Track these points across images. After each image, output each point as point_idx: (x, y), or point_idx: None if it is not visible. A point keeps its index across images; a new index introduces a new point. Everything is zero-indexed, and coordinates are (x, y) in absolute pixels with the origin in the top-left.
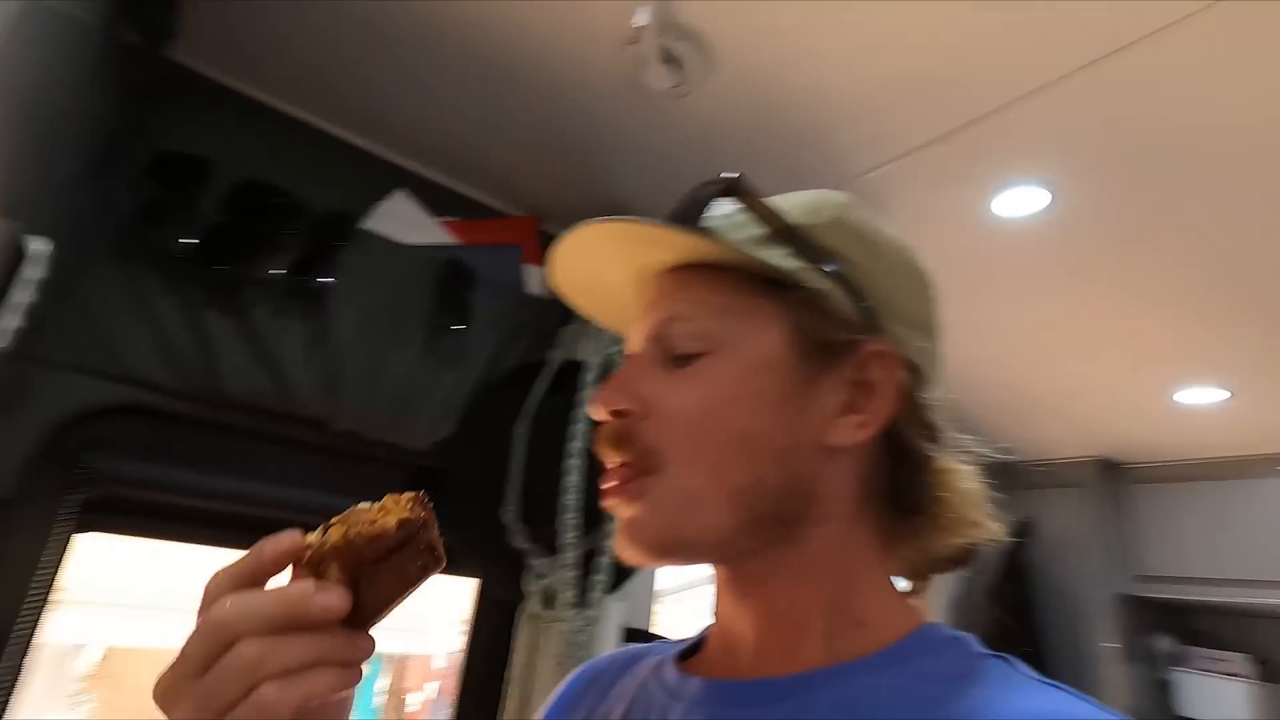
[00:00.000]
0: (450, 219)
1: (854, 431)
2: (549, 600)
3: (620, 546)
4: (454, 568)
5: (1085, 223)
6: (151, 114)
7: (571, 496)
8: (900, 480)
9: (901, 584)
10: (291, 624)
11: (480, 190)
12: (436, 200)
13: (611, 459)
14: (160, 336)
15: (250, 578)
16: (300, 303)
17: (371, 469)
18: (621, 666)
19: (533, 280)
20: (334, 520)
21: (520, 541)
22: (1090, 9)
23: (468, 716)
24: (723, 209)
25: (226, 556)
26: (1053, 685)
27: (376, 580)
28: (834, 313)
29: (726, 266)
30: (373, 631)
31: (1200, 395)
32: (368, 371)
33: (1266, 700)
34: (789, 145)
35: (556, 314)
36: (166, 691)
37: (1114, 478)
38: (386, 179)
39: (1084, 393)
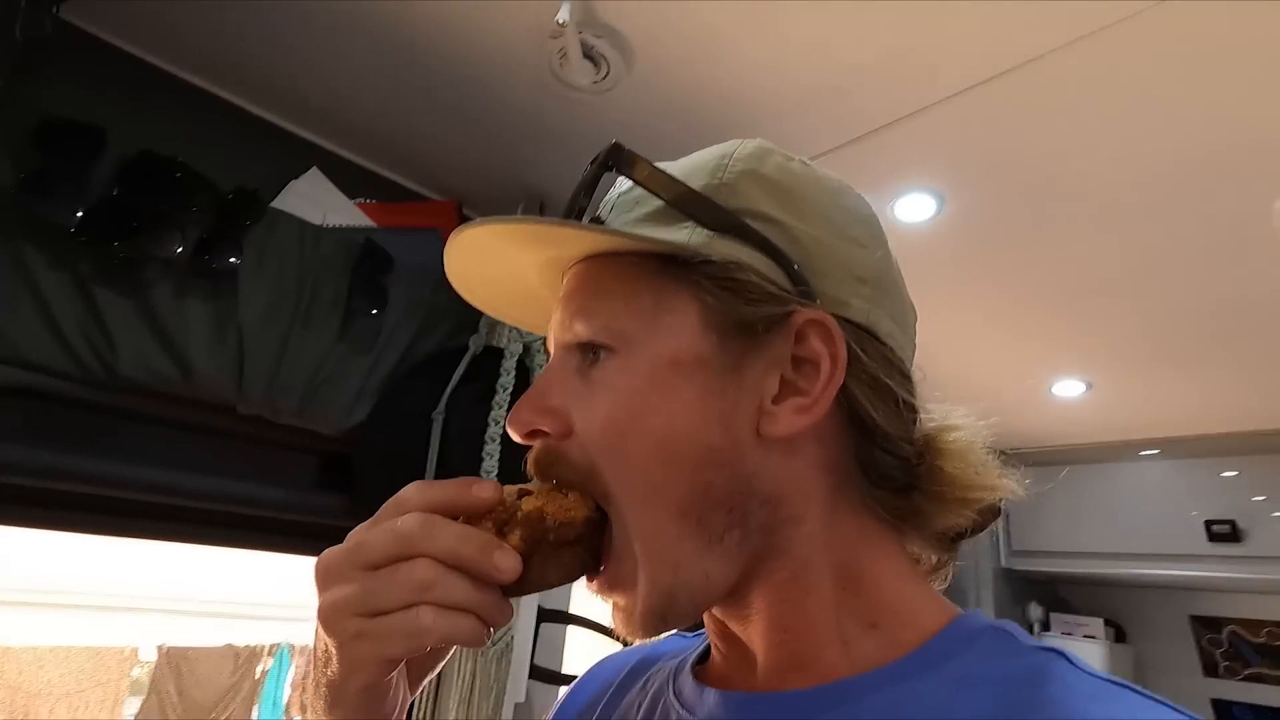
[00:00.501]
0: (366, 201)
1: (794, 418)
2: None
3: (619, 626)
4: None
5: (971, 231)
6: (38, 77)
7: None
8: (876, 458)
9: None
10: (469, 567)
11: (398, 172)
12: (352, 181)
13: (544, 479)
14: (48, 316)
15: (446, 506)
16: (205, 283)
17: (282, 454)
18: (632, 670)
19: None
20: (528, 488)
21: None
22: (981, 33)
23: None
24: (621, 186)
25: (127, 547)
26: (1118, 683)
27: (548, 562)
28: (752, 285)
29: (626, 253)
30: (282, 619)
31: (1069, 388)
32: (277, 356)
33: (1119, 658)
34: (705, 142)
35: None
36: (329, 570)
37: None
38: (298, 157)
39: (971, 386)
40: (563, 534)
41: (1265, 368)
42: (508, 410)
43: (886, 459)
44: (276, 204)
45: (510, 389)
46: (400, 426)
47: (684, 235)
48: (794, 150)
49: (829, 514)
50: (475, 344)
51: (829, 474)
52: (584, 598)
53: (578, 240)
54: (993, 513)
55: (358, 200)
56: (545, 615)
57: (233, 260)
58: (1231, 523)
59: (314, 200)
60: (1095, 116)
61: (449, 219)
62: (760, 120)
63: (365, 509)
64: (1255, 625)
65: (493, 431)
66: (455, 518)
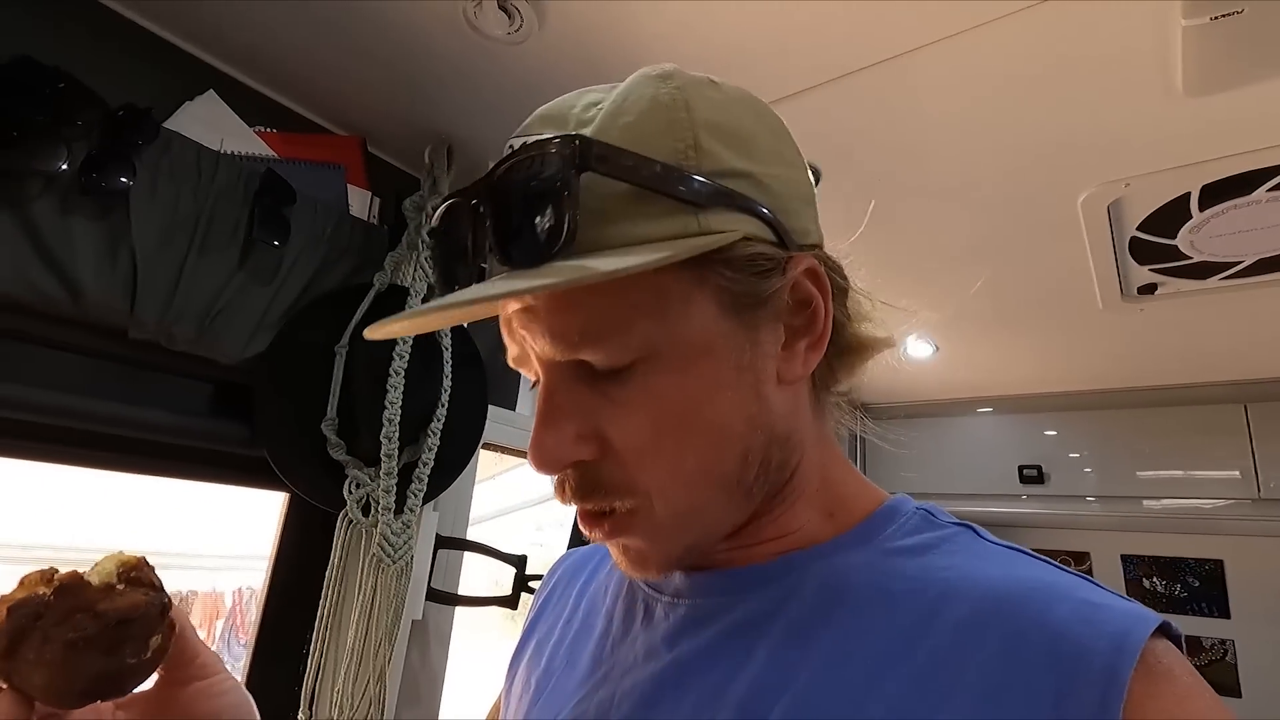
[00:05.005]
0: (266, 130)
1: (809, 356)
2: (366, 509)
3: (624, 568)
4: (264, 481)
5: (838, 202)
6: None
7: (392, 413)
8: (840, 361)
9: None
10: None
11: (301, 104)
12: (251, 108)
13: (579, 507)
14: None
15: None
16: (93, 203)
17: (178, 381)
18: (599, 561)
19: (356, 202)
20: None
21: (339, 455)
22: (866, 22)
23: (279, 619)
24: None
25: (31, 498)
26: (1018, 550)
27: (22, 675)
28: (759, 256)
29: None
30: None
31: (919, 349)
32: (173, 281)
33: None
34: None
35: (381, 239)
36: None
37: (862, 416)
38: (194, 79)
39: None
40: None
41: (1074, 337)
42: (411, 346)
43: (845, 358)
44: (170, 125)
45: None
46: (302, 359)
47: (679, 225)
48: None
49: (815, 433)
50: (380, 281)
51: (810, 393)
52: (477, 524)
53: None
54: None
55: (256, 128)
56: (442, 541)
57: (124, 180)
58: (1039, 467)
59: (211, 124)
60: (949, 110)
61: (352, 155)
62: None
63: (266, 439)
64: (1050, 554)
65: (397, 365)
66: None
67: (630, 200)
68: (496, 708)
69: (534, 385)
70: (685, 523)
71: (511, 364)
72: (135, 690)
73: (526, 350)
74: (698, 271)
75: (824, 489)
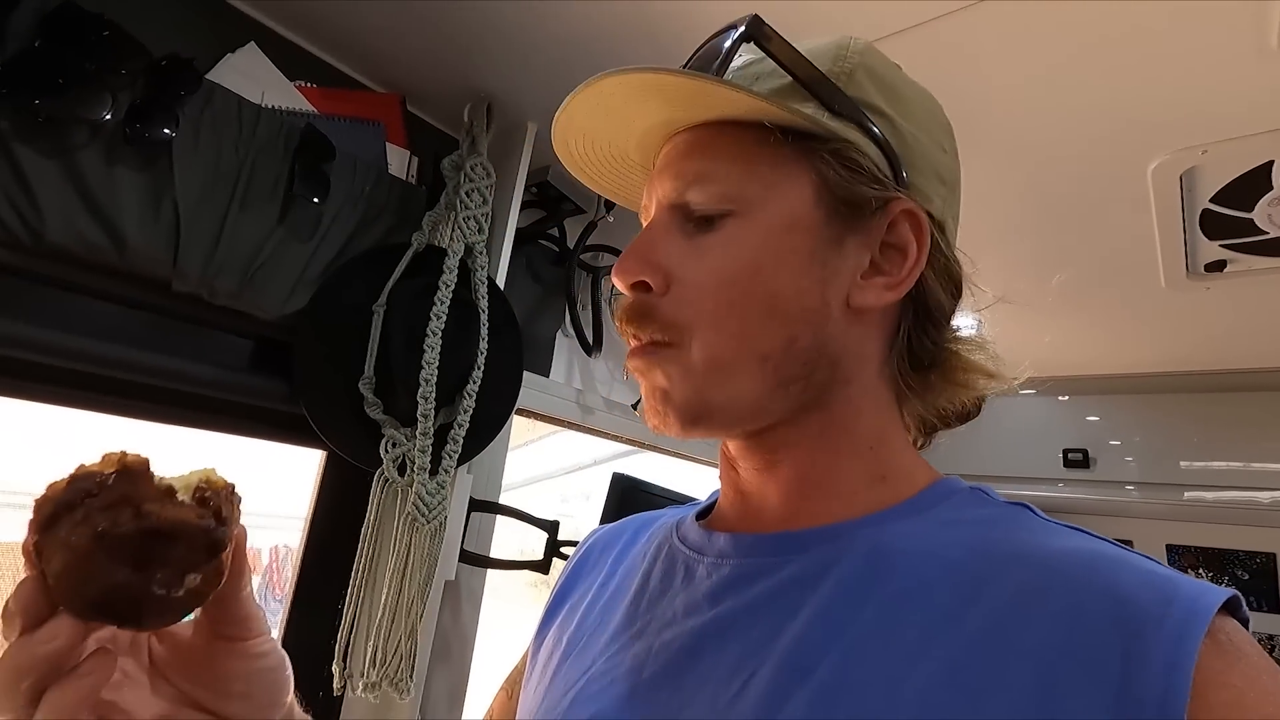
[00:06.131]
0: (307, 84)
1: (881, 293)
2: (402, 469)
3: (649, 416)
4: (302, 438)
5: None
6: None
7: (429, 373)
8: (922, 338)
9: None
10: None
11: (340, 59)
12: (291, 62)
13: (631, 335)
14: None
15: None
16: (137, 153)
17: (219, 335)
18: (635, 531)
19: (394, 161)
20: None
21: (376, 413)
22: None
23: (316, 573)
24: (741, 59)
25: (56, 414)
26: (1070, 527)
27: (45, 557)
28: (863, 168)
29: (746, 122)
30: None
31: (961, 323)
32: (215, 235)
33: None
34: (658, 57)
35: (419, 198)
36: None
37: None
38: (235, 30)
39: None
40: (26, 538)
41: (1132, 317)
42: (448, 309)
43: (929, 338)
44: (211, 77)
45: (452, 286)
46: (341, 316)
47: (812, 111)
48: None
49: (873, 380)
50: (417, 241)
51: (883, 346)
52: (507, 491)
53: (727, 103)
54: (973, 413)
55: (297, 83)
56: (476, 505)
57: (166, 131)
58: (1084, 451)
59: (252, 77)
60: (1007, 69)
61: (391, 113)
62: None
63: (304, 395)
64: None
65: (434, 326)
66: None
67: (787, 88)
68: (519, 670)
69: None
70: (713, 376)
71: (641, 213)
72: (161, 627)
73: (652, 197)
74: (807, 154)
75: (878, 450)
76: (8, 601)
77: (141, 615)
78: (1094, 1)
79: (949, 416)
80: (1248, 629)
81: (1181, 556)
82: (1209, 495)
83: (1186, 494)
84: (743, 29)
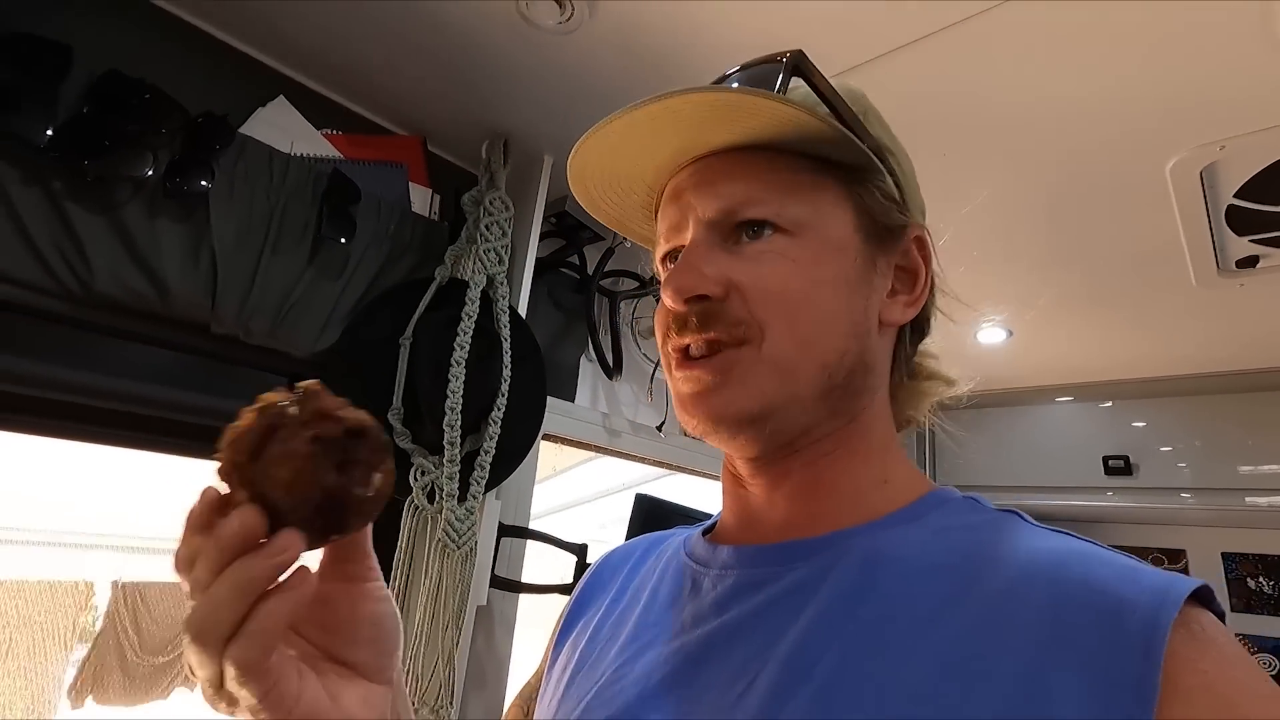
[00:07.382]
0: (332, 132)
1: (904, 310)
2: (431, 496)
3: (697, 416)
4: None
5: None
6: None
7: (454, 402)
8: (910, 350)
9: None
10: (223, 566)
11: (364, 106)
12: (317, 111)
13: (696, 338)
14: (21, 230)
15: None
16: (176, 205)
17: (255, 374)
18: (645, 550)
19: (418, 199)
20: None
21: (405, 443)
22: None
23: None
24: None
25: (100, 452)
26: (1061, 532)
27: (267, 475)
28: (890, 198)
29: (781, 148)
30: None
31: (991, 335)
32: (249, 278)
33: None
34: (665, 84)
35: (441, 234)
36: None
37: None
38: (264, 85)
39: None
40: (242, 446)
41: (1165, 317)
42: (471, 339)
43: (913, 350)
44: (244, 130)
45: (475, 317)
46: (369, 350)
47: (854, 146)
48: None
49: (884, 390)
50: (440, 274)
51: (890, 358)
52: (541, 518)
53: (790, 123)
54: (921, 421)
55: (324, 131)
56: (505, 530)
57: (204, 184)
58: (1125, 458)
59: (281, 128)
60: (1022, 72)
61: (414, 154)
62: (720, 66)
63: None
64: (1142, 552)
65: (458, 356)
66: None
67: (823, 119)
68: (531, 686)
69: (665, 257)
70: (781, 375)
71: (666, 233)
72: (359, 529)
73: (686, 216)
74: (851, 186)
75: (884, 452)
76: (222, 529)
77: (346, 519)
78: (1099, 2)
79: (909, 422)
80: (1224, 622)
81: (1239, 564)
82: (1263, 500)
83: (1247, 499)
84: (789, 62)
